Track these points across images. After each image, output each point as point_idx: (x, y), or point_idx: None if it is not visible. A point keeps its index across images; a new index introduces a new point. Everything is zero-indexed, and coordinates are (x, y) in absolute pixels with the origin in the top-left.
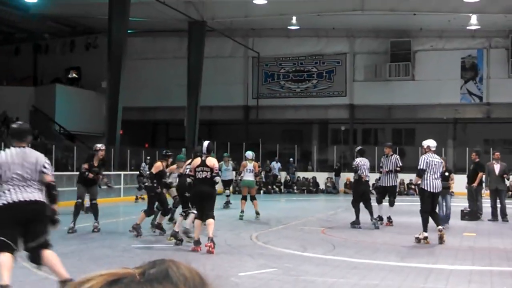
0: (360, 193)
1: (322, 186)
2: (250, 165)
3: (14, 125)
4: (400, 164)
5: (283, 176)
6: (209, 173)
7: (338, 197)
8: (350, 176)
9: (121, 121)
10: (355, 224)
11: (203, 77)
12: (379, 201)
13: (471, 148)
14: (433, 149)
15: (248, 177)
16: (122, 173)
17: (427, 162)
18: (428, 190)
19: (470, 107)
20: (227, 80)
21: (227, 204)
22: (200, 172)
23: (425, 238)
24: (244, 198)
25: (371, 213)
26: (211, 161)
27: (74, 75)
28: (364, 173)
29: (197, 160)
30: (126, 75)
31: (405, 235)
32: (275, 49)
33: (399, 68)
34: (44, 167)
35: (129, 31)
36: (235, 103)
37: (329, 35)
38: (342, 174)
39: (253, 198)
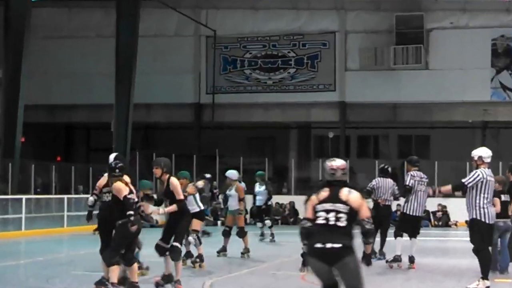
0: (377, 219)
1: (302, 215)
2: (232, 189)
3: None
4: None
5: (248, 201)
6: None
7: None
8: None
9: (22, 124)
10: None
11: (138, 64)
12: (399, 234)
13: (507, 162)
14: (488, 161)
15: (232, 203)
16: (23, 196)
17: (482, 181)
18: (486, 221)
19: (504, 106)
20: (171, 68)
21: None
22: (133, 200)
23: None
24: (224, 230)
25: (381, 245)
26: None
27: None
28: (383, 197)
29: (123, 185)
30: (31, 60)
31: (438, 283)
32: (237, 25)
33: (408, 53)
34: None
35: None
36: (182, 100)
37: (311, 7)
38: None
39: (240, 233)
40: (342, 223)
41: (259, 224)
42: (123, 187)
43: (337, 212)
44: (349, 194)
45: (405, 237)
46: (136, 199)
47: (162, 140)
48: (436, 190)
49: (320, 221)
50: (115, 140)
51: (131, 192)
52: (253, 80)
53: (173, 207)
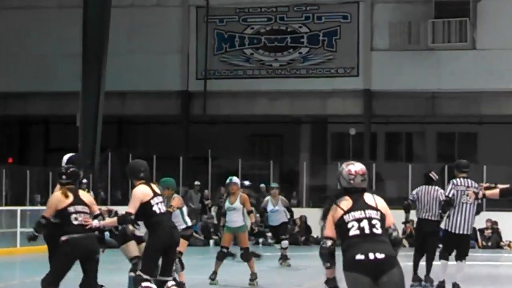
0: (421, 238)
1: (317, 233)
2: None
3: None
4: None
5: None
6: (88, 215)
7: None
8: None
9: None
10: (415, 281)
11: (111, 42)
12: (444, 256)
13: None
14: None
15: (230, 219)
16: None
17: None
18: None
19: None
20: (152, 48)
21: (284, 260)
22: (77, 214)
23: None
24: (220, 252)
25: (428, 270)
26: (85, 195)
27: None
28: (426, 210)
29: (59, 195)
30: None
31: None
32: None
33: (450, 29)
34: None
35: None
36: (165, 88)
37: None
38: None
39: (246, 254)
40: (378, 230)
41: (277, 246)
42: (57, 200)
43: (370, 219)
44: (375, 199)
45: (453, 260)
46: (89, 212)
47: (141, 137)
48: (479, 193)
49: (353, 232)
50: (81, 138)
51: (75, 203)
52: (255, 63)
53: (113, 220)
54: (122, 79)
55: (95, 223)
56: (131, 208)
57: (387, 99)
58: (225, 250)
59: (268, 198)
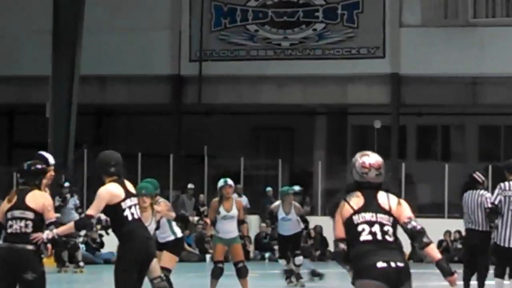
0: (468, 252)
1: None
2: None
3: None
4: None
5: (253, 224)
6: (30, 222)
7: None
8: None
9: None
10: None
11: (88, 18)
12: (498, 274)
13: None
14: None
15: (225, 229)
16: None
17: None
18: None
19: None
20: (137, 23)
21: (298, 279)
22: (12, 221)
23: None
24: (216, 269)
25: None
26: (39, 198)
27: None
28: (474, 222)
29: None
30: None
31: None
32: None
33: (495, 1)
34: None
35: None
36: (153, 71)
37: None
38: None
39: (241, 271)
40: (391, 238)
41: (282, 261)
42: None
43: (382, 224)
44: (390, 201)
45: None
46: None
47: (123, 131)
48: None
49: (364, 237)
50: (51, 131)
51: (15, 207)
52: (261, 41)
53: (69, 226)
54: (101, 61)
55: (46, 233)
56: (93, 209)
57: (418, 85)
58: (220, 265)
59: (278, 203)
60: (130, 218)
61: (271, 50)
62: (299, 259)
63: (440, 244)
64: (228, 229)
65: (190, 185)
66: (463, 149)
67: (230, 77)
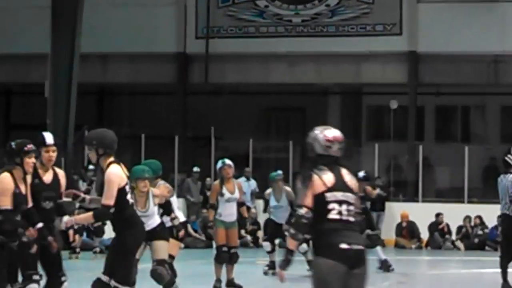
0: (504, 237)
1: None
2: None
3: None
4: None
5: (261, 209)
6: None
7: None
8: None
9: None
10: None
11: None
12: None
13: None
14: None
15: (227, 212)
16: None
17: None
18: None
19: None
20: None
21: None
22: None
23: None
24: (222, 253)
25: None
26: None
27: None
28: (505, 206)
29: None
30: None
31: None
32: None
33: None
34: None
35: None
36: (157, 49)
37: None
38: (391, 205)
39: (233, 257)
40: (354, 218)
41: (266, 246)
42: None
43: (348, 204)
44: (352, 179)
45: None
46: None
47: (126, 111)
48: None
49: (333, 215)
50: (50, 112)
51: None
52: (271, 17)
53: (87, 216)
54: (103, 38)
55: (64, 221)
56: (109, 198)
57: (437, 63)
58: (225, 249)
59: (270, 190)
60: (130, 202)
61: (282, 26)
62: (303, 247)
63: (459, 230)
64: (230, 211)
65: (196, 168)
66: (484, 130)
67: (238, 55)
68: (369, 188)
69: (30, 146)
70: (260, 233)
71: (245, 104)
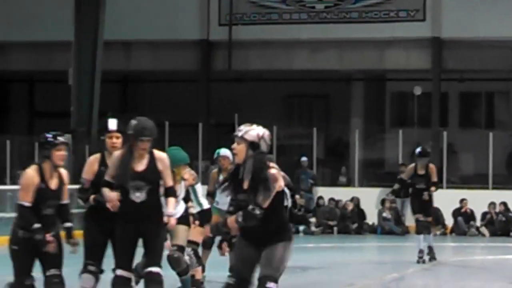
0: None
1: (372, 220)
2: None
3: None
4: None
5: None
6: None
7: (406, 242)
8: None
9: None
10: None
11: None
12: None
13: None
14: None
15: (224, 200)
16: None
17: None
18: None
19: None
20: None
21: None
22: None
23: None
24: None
25: None
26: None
27: None
28: None
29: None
30: None
31: None
32: None
33: None
34: None
35: None
36: (180, 36)
37: None
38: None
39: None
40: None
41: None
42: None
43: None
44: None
45: None
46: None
47: (150, 99)
48: None
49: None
50: (74, 99)
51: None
52: (294, 4)
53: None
54: (125, 26)
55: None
56: (172, 180)
57: (461, 49)
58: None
59: None
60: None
61: (305, 13)
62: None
63: (484, 216)
64: (226, 200)
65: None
66: (508, 117)
67: (261, 42)
68: (432, 165)
69: (59, 138)
70: None
71: (268, 91)
